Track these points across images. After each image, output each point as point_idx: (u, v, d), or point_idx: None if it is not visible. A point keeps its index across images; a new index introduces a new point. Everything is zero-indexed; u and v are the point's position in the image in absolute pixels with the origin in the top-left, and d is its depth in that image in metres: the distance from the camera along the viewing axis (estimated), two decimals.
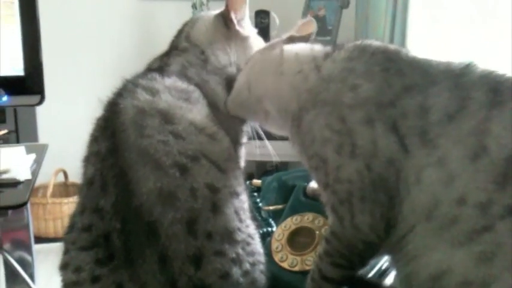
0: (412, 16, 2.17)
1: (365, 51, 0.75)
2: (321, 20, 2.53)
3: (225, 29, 0.95)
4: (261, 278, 0.75)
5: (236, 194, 0.77)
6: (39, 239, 2.31)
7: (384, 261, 0.86)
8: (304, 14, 2.57)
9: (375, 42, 0.77)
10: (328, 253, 0.73)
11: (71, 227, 0.76)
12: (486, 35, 2.04)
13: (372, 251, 0.72)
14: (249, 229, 0.77)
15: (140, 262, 0.68)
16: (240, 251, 0.73)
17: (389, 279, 0.88)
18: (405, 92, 0.68)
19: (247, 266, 0.73)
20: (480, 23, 2.07)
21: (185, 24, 0.99)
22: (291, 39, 0.86)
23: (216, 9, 0.98)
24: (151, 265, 0.68)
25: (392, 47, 0.76)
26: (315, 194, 0.91)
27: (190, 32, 0.95)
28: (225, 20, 0.95)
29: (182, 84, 0.83)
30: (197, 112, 0.80)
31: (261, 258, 0.77)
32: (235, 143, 0.89)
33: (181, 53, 0.91)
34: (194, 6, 2.62)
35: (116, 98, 0.79)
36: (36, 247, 1.68)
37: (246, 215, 0.78)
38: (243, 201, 0.79)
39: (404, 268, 0.67)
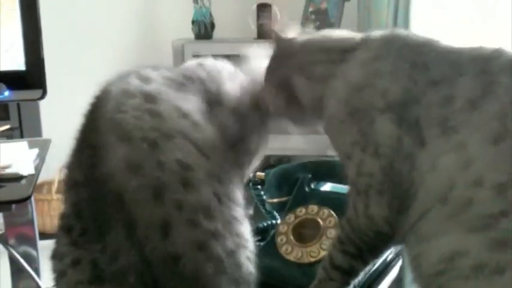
0: (415, 8, 2.15)
1: (392, 47, 0.74)
2: (323, 13, 2.52)
3: None
4: (249, 266, 0.73)
5: (218, 179, 0.76)
6: (45, 235, 2.30)
7: (389, 253, 0.86)
8: (306, 7, 2.55)
9: (403, 33, 0.77)
10: (340, 240, 0.75)
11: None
12: (486, 35, 2.03)
13: (382, 242, 0.73)
14: (232, 212, 0.75)
15: (108, 230, 0.68)
16: (220, 226, 0.71)
17: (394, 271, 0.88)
18: (431, 86, 0.68)
19: (230, 245, 0.71)
20: (480, 23, 2.06)
21: None
22: None
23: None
24: (119, 232, 0.68)
25: (422, 38, 0.75)
26: None
27: None
28: None
29: (183, 77, 0.84)
30: (187, 102, 0.80)
31: (249, 244, 0.75)
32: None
33: None
34: (195, 1, 2.61)
35: (108, 85, 0.80)
36: (41, 243, 1.68)
37: (230, 201, 0.76)
38: (227, 188, 0.77)
39: (415, 248, 0.67)
